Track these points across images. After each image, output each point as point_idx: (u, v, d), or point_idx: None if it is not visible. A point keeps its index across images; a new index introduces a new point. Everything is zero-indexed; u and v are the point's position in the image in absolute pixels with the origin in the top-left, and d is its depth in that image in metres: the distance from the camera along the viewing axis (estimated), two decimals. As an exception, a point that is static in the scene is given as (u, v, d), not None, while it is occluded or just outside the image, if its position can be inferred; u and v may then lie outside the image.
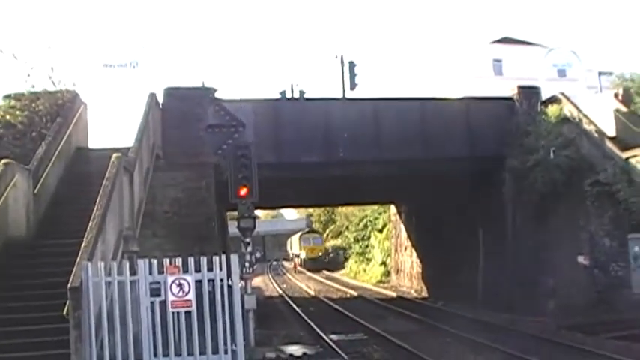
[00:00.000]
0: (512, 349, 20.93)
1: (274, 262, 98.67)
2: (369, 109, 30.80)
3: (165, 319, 13.42)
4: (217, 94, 28.57)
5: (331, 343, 23.70)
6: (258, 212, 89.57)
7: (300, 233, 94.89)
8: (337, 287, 54.32)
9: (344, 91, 35.17)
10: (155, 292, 13.38)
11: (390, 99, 32.83)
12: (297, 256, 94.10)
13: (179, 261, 13.84)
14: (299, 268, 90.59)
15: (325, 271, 79.07)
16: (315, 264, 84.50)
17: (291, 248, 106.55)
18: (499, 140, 30.67)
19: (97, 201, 16.19)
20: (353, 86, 35.40)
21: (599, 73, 62.51)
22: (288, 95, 31.59)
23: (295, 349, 18.65)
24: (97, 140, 28.68)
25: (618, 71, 39.09)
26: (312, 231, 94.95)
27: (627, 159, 27.06)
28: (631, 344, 20.41)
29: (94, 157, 23.23)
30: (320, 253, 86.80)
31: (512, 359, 20.23)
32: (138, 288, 13.39)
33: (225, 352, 13.76)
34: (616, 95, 31.80)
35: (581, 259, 27.19)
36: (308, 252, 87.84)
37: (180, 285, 13.35)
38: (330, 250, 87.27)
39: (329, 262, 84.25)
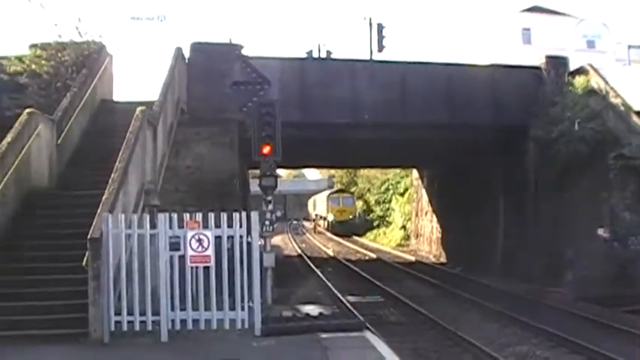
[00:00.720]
0: (528, 318, 20.95)
1: (295, 222, 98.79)
2: (396, 73, 30.56)
3: (183, 273, 13.53)
4: (244, 51, 28.49)
5: (348, 305, 23.80)
6: (280, 171, 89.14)
7: (327, 192, 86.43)
8: (356, 249, 54.46)
9: (371, 53, 34.95)
10: (174, 246, 13.47)
11: (416, 63, 32.67)
12: (324, 218, 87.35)
13: (199, 216, 13.90)
14: (321, 230, 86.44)
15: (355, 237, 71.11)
16: (344, 228, 75.45)
17: (314, 209, 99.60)
18: (524, 109, 30.39)
19: (120, 154, 16.26)
20: (380, 48, 35.16)
21: (629, 47, 61.88)
22: (315, 55, 31.48)
23: (312, 309, 18.65)
24: (122, 93, 28.76)
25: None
26: (342, 190, 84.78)
27: (655, 132, 26.81)
28: (647, 318, 20.38)
29: (118, 109, 23.27)
30: (351, 216, 77.97)
31: (527, 329, 20.23)
32: (157, 242, 13.48)
33: (243, 308, 13.85)
34: (644, 68, 31.42)
35: (601, 231, 27.04)
36: (337, 214, 79.17)
37: (199, 240, 13.43)
38: (360, 214, 78.66)
39: (359, 226, 75.62)
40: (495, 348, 17.83)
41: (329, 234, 78.80)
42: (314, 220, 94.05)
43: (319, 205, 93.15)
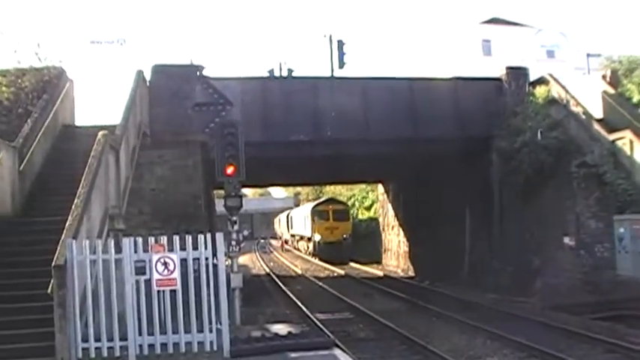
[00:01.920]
0: (497, 329, 21.00)
1: (262, 241, 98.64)
2: (358, 88, 30.73)
3: (150, 297, 13.44)
4: (205, 72, 28.49)
5: (317, 322, 23.75)
6: (246, 191, 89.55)
7: (310, 205, 66.93)
8: (324, 266, 54.37)
9: (332, 69, 35.07)
10: (140, 270, 13.38)
11: (378, 78, 32.81)
12: (305, 239, 67.99)
13: (164, 239, 13.83)
14: (299, 252, 72.97)
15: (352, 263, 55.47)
16: (336, 253, 57.22)
17: (290, 227, 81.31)
18: (487, 121, 30.70)
19: (83, 179, 16.14)
20: (341, 65, 35.28)
21: (588, 55, 62.42)
22: (277, 74, 31.52)
23: (281, 328, 18.61)
24: (84, 117, 28.55)
25: (606, 53, 39.09)
26: (332, 200, 64.70)
27: (614, 141, 27.12)
28: (614, 325, 20.63)
29: (80, 134, 23.14)
30: (345, 236, 59.11)
31: (496, 340, 20.29)
32: (123, 266, 13.39)
33: (210, 330, 13.79)
34: (604, 77, 31.76)
35: (567, 240, 27.27)
36: (325, 233, 59.83)
37: (165, 263, 13.35)
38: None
39: (352, 249, 58.96)
40: (465, 360, 17.91)
41: (297, 252, 77.45)
42: (281, 238, 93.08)
43: (297, 223, 73.78)
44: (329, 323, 23.78)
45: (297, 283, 40.36)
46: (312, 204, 65.67)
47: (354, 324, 24.73)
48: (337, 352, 14.85)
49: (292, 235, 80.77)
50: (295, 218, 76.49)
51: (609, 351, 18.09)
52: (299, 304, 28.79)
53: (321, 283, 39.22)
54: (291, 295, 32.53)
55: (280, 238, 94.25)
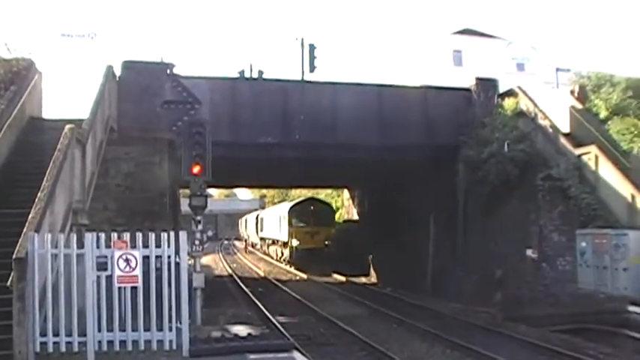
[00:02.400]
0: (457, 338, 21.11)
1: (226, 242, 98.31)
2: (327, 93, 30.78)
3: (111, 294, 13.35)
4: (175, 70, 28.37)
5: (277, 325, 23.72)
6: (212, 191, 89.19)
7: (289, 205, 57.82)
8: (287, 269, 54.33)
9: (303, 73, 35.11)
10: (102, 266, 13.28)
11: (348, 84, 32.80)
12: (280, 243, 59.40)
13: (127, 236, 13.74)
14: (269, 257, 67.32)
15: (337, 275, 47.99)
16: (318, 261, 49.83)
17: (259, 230, 73.87)
18: (455, 130, 30.85)
19: (47, 172, 15.98)
20: (312, 69, 35.34)
21: (557, 69, 62.97)
22: (247, 75, 31.47)
23: (241, 329, 18.58)
24: (51, 110, 28.25)
25: (576, 68, 39.45)
26: (313, 200, 57.33)
27: (580, 155, 27.36)
28: (572, 338, 20.78)
29: (47, 127, 22.84)
30: (327, 242, 51.57)
31: (456, 349, 20.39)
32: (85, 261, 13.28)
33: (170, 329, 13.72)
34: (572, 92, 32.10)
35: (529, 252, 27.46)
36: (304, 238, 52.17)
37: (127, 260, 13.26)
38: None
39: (337, 257, 49.76)
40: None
41: (260, 254, 77.02)
42: (246, 240, 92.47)
43: (270, 224, 65.51)
44: (289, 326, 23.78)
45: (260, 286, 40.27)
46: (290, 203, 57.29)
47: (315, 328, 24.71)
48: (296, 355, 14.85)
49: (262, 239, 73.38)
50: (267, 219, 68.13)
51: (566, 363, 18.25)
52: (260, 306, 28.75)
53: (283, 286, 39.19)
54: (252, 297, 32.47)
55: (245, 240, 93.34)
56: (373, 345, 20.48)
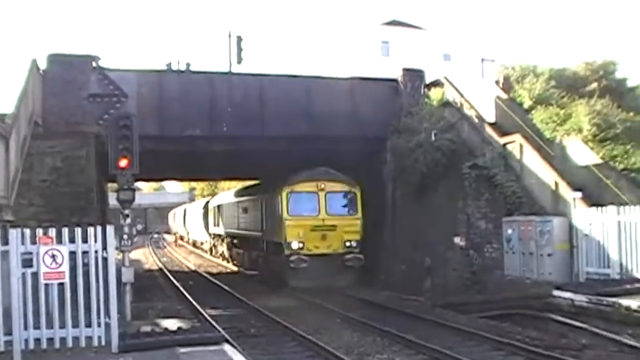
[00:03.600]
0: (387, 326, 21.30)
1: (156, 235, 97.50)
2: (255, 85, 30.82)
3: (37, 291, 13.18)
4: (101, 63, 28.06)
5: (208, 318, 23.64)
6: (140, 184, 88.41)
7: (283, 180, 32.18)
8: (218, 262, 54.05)
9: (230, 65, 35.01)
10: (27, 263, 13.12)
11: (275, 76, 32.83)
12: (261, 246, 36.60)
13: (53, 231, 13.58)
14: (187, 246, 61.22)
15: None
16: (332, 278, 30.41)
17: (212, 224, 55.92)
18: (383, 121, 31.19)
19: (-31, 168, 15.72)
20: (239, 60, 35.27)
21: (482, 60, 64.05)
22: (175, 67, 31.27)
23: (171, 323, 18.48)
24: (-27, 105, 27.71)
25: (500, 59, 40.07)
26: (329, 173, 32.26)
27: (505, 144, 27.82)
28: (500, 324, 21.19)
29: (-32, 122, 22.48)
30: (351, 242, 31.17)
31: (386, 337, 20.56)
32: (9, 258, 13.09)
33: (99, 325, 13.62)
34: (497, 82, 32.63)
35: (457, 240, 27.86)
36: (312, 238, 30.89)
37: (53, 256, 13.12)
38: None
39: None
40: (356, 357, 18.07)
41: (191, 247, 76.42)
42: (176, 234, 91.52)
43: (232, 214, 46.21)
44: (220, 319, 23.67)
45: (190, 279, 40.01)
46: (284, 179, 32.17)
47: (246, 320, 24.66)
48: (227, 347, 14.83)
49: (215, 236, 56.32)
50: (227, 208, 48.92)
51: (496, 348, 18.54)
52: (191, 299, 28.60)
53: (214, 279, 39.01)
54: (183, 290, 32.28)
55: (175, 234, 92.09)
56: (304, 335, 20.54)
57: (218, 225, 53.21)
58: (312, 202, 31.35)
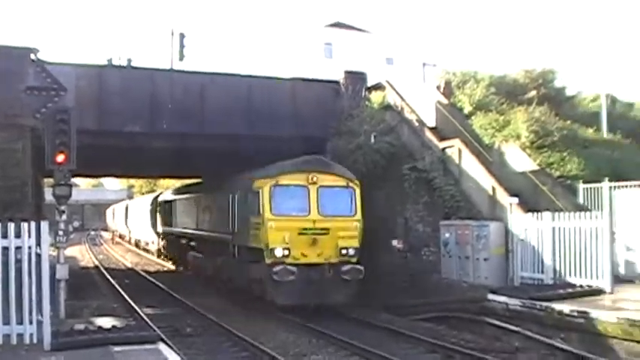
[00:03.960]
0: (323, 328, 21.39)
1: (93, 232, 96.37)
2: (196, 83, 30.65)
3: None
4: (39, 56, 27.61)
5: (144, 317, 23.43)
6: (78, 180, 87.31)
7: (275, 172, 25.91)
8: (156, 261, 53.64)
9: (172, 62, 34.79)
10: (-42, 257, 12.86)
11: (217, 74, 32.70)
12: (231, 251, 28.98)
13: (-16, 226, 13.35)
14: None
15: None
16: (324, 294, 24.44)
17: (160, 222, 50.56)
18: (324, 122, 31.22)
19: None
20: (181, 57, 35.07)
21: (424, 64, 64.51)
22: (116, 63, 30.94)
23: (106, 322, 18.26)
24: None
25: (442, 64, 40.43)
26: (321, 163, 26.46)
27: (444, 149, 28.07)
28: (436, 326, 21.46)
29: None
30: (348, 250, 25.03)
31: (322, 338, 20.61)
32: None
33: (31, 322, 13.40)
34: (438, 87, 32.95)
35: (395, 242, 28.02)
36: (299, 243, 24.58)
37: (-16, 251, 12.88)
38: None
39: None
40: (292, 358, 18.08)
41: (129, 245, 75.58)
42: (114, 232, 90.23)
43: (189, 211, 40.25)
44: (156, 318, 23.51)
45: (127, 277, 39.65)
46: (265, 170, 27.03)
47: (182, 320, 24.52)
48: (162, 346, 14.72)
49: (166, 236, 49.69)
50: (183, 204, 42.39)
51: (430, 351, 18.73)
52: (127, 298, 28.34)
53: (151, 278, 38.73)
54: (119, 288, 31.97)
55: (114, 232, 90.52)
56: (240, 335, 20.50)
57: (170, 224, 45.94)
58: (300, 199, 25.32)
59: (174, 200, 45.16)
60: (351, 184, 26.12)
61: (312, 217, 24.95)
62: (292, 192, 25.40)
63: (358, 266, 24.96)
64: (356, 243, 25.31)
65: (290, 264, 24.05)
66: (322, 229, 24.92)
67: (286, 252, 24.33)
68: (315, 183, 25.26)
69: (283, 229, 24.53)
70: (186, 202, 41.40)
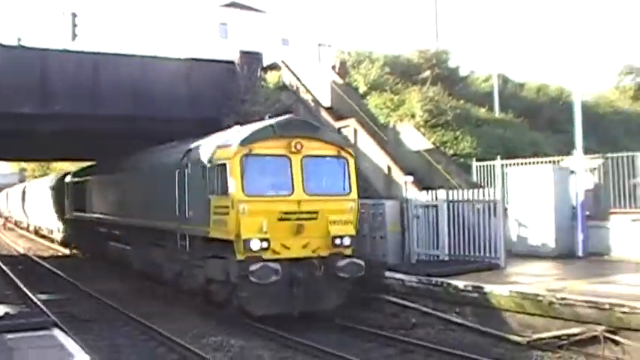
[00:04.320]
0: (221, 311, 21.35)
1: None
2: (89, 63, 30.01)
3: None
4: None
5: (38, 303, 22.98)
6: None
7: (246, 138, 19.31)
8: (49, 245, 52.46)
9: (64, 42, 34.03)
10: None
11: (109, 54, 32.20)
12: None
13: None
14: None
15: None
16: (317, 300, 19.25)
17: (78, 206, 40.19)
18: (219, 103, 31.01)
19: None
20: (74, 37, 34.34)
21: (319, 45, 64.77)
22: (4, 42, 30.12)
23: (-2, 309, 17.84)
24: None
25: (337, 44, 40.67)
26: (307, 126, 20.56)
27: (340, 129, 28.23)
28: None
29: None
30: (343, 239, 19.59)
31: (222, 322, 20.59)
32: None
33: None
34: (333, 67, 33.13)
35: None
36: (281, 233, 18.75)
37: None
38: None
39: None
40: (190, 339, 18.00)
41: (21, 231, 73.96)
42: (7, 219, 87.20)
43: (101, 191, 35.87)
44: (51, 304, 23.11)
45: (19, 263, 38.76)
46: (231, 134, 21.25)
47: (79, 305, 24.16)
48: (57, 332, 14.42)
49: (76, 223, 42.27)
50: (101, 184, 35.96)
51: (329, 331, 18.85)
52: (19, 284, 27.74)
53: (44, 263, 37.96)
54: (11, 275, 31.25)
55: (8, 218, 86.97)
56: (138, 319, 20.37)
57: (83, 209, 38.77)
58: (281, 174, 19.44)
59: (88, 180, 38.31)
60: (343, 153, 20.49)
61: (296, 196, 19.19)
62: (270, 164, 19.55)
63: (358, 260, 19.78)
64: (352, 230, 20.07)
65: (270, 260, 18.38)
66: (309, 212, 19.31)
67: (264, 244, 18.47)
68: (298, 152, 19.39)
69: (259, 214, 18.64)
70: (105, 183, 34.80)
